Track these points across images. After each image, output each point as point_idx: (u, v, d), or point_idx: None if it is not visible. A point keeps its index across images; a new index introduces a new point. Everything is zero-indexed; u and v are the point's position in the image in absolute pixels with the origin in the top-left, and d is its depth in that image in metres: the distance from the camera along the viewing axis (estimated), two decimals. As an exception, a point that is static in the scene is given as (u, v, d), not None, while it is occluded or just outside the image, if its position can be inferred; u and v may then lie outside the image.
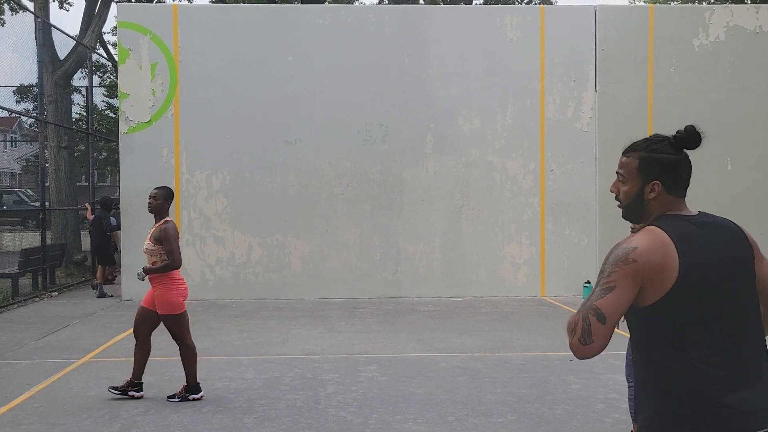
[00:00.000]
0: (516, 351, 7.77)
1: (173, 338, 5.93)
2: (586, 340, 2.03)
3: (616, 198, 2.31)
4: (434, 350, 7.82)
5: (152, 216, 5.99)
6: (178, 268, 5.83)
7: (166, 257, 5.76)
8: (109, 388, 5.96)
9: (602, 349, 2.07)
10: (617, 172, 2.31)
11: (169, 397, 5.90)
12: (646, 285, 2.05)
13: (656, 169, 2.21)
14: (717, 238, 2.14)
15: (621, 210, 2.31)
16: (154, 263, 5.79)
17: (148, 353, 6.03)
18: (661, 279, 2.04)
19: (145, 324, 5.95)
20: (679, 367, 2.05)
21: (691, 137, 2.23)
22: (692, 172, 2.25)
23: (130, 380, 5.94)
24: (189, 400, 5.85)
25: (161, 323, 5.93)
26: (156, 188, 6.04)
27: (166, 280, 5.80)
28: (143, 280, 5.87)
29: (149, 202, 5.90)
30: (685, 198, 2.23)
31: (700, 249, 2.09)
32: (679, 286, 2.04)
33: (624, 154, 2.32)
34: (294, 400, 5.89)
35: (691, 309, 2.06)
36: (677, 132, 2.22)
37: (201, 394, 5.92)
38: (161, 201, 5.93)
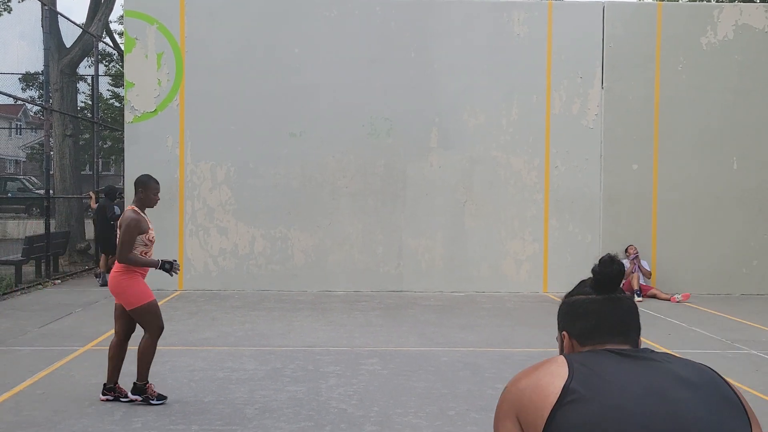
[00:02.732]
0: (517, 347, 7.77)
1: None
2: None
3: None
4: (435, 344, 7.83)
5: (153, 208, 5.88)
6: None
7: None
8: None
9: None
10: None
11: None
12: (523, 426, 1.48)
13: (559, 317, 1.68)
14: (662, 380, 1.47)
15: None
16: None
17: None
18: (534, 418, 1.45)
19: None
20: None
21: (599, 275, 1.62)
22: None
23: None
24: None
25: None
26: (158, 183, 5.76)
27: None
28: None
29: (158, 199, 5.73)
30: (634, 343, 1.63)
31: (613, 387, 1.44)
32: None
33: None
34: (295, 391, 5.90)
35: None
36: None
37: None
38: None
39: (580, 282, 1.70)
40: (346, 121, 11.87)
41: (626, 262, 11.66)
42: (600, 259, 1.62)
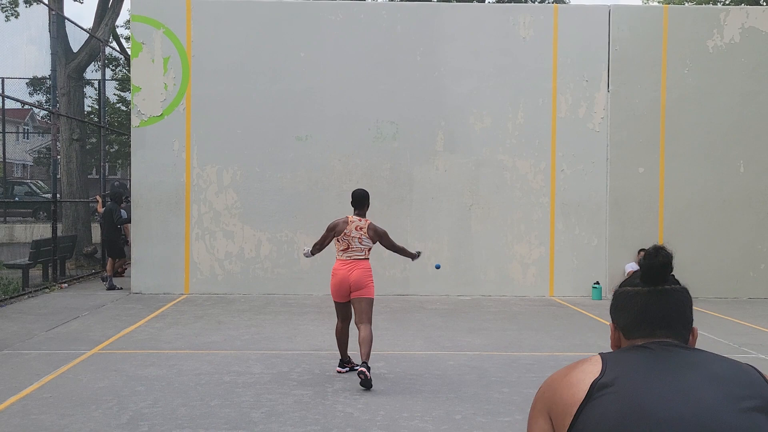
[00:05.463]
0: (524, 350, 7.75)
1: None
2: None
3: None
4: (442, 348, 7.82)
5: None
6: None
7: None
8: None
9: None
10: None
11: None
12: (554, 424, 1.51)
13: (611, 308, 1.66)
14: (693, 379, 1.43)
15: None
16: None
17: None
18: (563, 415, 1.47)
19: None
20: None
21: (643, 267, 1.58)
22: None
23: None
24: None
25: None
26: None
27: None
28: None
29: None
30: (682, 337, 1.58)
31: (639, 385, 1.43)
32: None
33: None
34: (301, 395, 5.90)
35: None
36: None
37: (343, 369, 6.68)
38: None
39: (634, 272, 1.66)
40: (352, 125, 11.88)
41: (631, 266, 11.63)
42: (646, 251, 1.59)
